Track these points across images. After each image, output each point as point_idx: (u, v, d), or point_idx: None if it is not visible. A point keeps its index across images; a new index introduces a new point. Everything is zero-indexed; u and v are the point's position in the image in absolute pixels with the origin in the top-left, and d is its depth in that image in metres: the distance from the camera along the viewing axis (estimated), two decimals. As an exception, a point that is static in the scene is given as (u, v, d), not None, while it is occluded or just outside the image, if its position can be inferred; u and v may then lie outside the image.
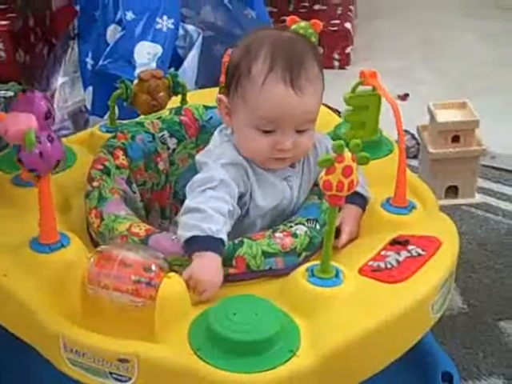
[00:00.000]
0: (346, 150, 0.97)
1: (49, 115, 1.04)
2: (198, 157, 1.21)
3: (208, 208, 1.08)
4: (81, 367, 1.00)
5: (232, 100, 1.17)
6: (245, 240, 1.10)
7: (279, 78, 1.12)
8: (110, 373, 0.99)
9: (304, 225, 1.13)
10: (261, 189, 1.17)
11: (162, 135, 1.34)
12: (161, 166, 1.33)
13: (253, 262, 1.09)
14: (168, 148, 1.34)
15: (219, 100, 1.20)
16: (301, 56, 1.14)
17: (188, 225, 1.07)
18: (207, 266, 1.04)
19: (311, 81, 1.14)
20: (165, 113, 1.37)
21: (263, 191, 1.17)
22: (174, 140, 1.35)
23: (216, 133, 1.23)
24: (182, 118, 1.36)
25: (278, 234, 1.11)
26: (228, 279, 1.07)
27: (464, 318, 1.67)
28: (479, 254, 1.86)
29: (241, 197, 1.15)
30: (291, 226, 1.13)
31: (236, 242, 1.10)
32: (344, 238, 1.15)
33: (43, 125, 1.04)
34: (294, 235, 1.12)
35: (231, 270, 1.08)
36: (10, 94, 2.04)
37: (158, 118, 1.35)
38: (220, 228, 1.07)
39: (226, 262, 1.07)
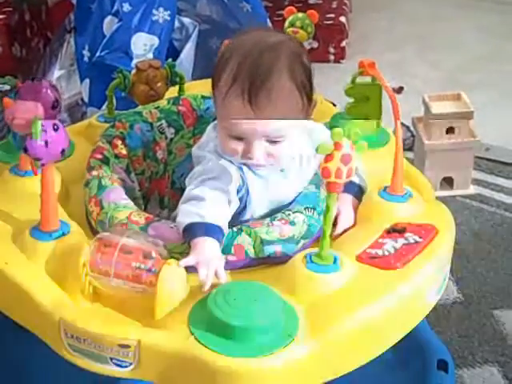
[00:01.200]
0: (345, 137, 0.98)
1: (56, 104, 1.05)
2: (194, 150, 1.22)
3: (208, 196, 1.09)
4: (81, 353, 1.01)
5: (214, 100, 1.19)
6: (243, 228, 1.11)
7: (239, 93, 1.10)
8: (111, 358, 0.99)
9: (302, 213, 1.14)
10: (256, 182, 1.18)
11: (160, 124, 1.34)
12: (159, 154, 1.34)
13: (251, 249, 1.10)
14: (166, 137, 1.35)
15: (213, 95, 1.20)
16: (266, 70, 1.10)
17: (187, 212, 1.08)
18: (209, 249, 1.05)
19: (275, 96, 1.10)
20: (163, 102, 1.37)
21: (259, 184, 1.18)
22: (172, 129, 1.36)
23: (210, 127, 1.24)
24: (180, 107, 1.37)
25: (276, 222, 1.12)
26: (227, 266, 1.08)
27: (459, 307, 1.69)
28: (474, 244, 1.88)
29: (238, 190, 1.16)
30: (289, 214, 1.14)
31: (235, 229, 1.11)
32: (340, 226, 1.16)
33: (50, 114, 1.04)
34: (292, 223, 1.12)
35: (230, 258, 1.09)
36: (7, 87, 2.04)
37: (156, 108, 1.36)
38: (219, 215, 1.08)
39: (225, 250, 1.08)
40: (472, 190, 2.07)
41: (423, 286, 1.07)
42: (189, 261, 1.04)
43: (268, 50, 1.12)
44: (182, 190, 1.24)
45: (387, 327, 1.04)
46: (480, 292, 1.73)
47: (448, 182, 2.06)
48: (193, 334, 0.97)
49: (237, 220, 1.15)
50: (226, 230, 1.09)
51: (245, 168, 1.17)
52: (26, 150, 1.04)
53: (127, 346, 0.98)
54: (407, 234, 1.11)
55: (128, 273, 1.02)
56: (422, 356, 1.35)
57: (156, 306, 1.00)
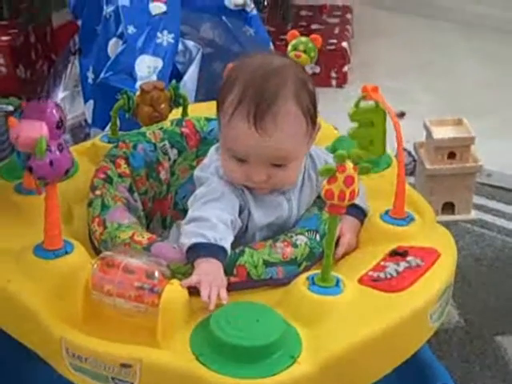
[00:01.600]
0: (348, 160, 0.98)
1: (60, 124, 1.05)
2: (197, 172, 1.22)
3: (211, 217, 1.10)
4: (83, 372, 1.01)
5: (219, 122, 1.20)
6: (246, 249, 1.11)
7: (244, 115, 1.11)
8: (112, 378, 0.99)
9: (304, 235, 1.15)
10: (257, 205, 1.18)
11: (163, 145, 1.35)
12: (162, 175, 1.35)
13: (253, 270, 1.10)
14: (169, 158, 1.36)
15: (218, 117, 1.21)
16: (273, 94, 1.11)
17: (191, 232, 1.09)
18: (212, 269, 1.05)
19: (281, 120, 1.11)
20: (166, 124, 1.38)
21: (260, 207, 1.18)
22: (175, 151, 1.36)
23: (213, 149, 1.25)
24: (183, 129, 1.37)
25: (278, 244, 1.13)
26: (229, 288, 1.07)
27: (461, 332, 1.68)
28: (475, 269, 1.87)
29: (240, 211, 1.17)
30: (291, 237, 1.14)
31: (237, 251, 1.11)
32: (341, 249, 1.16)
33: (54, 134, 1.05)
34: (295, 245, 1.13)
35: (232, 279, 1.09)
36: (10, 108, 2.05)
37: (159, 129, 1.36)
38: (223, 236, 1.08)
39: (228, 271, 1.08)
40: (473, 215, 2.07)
41: (425, 308, 1.07)
42: (191, 281, 1.04)
43: (274, 74, 1.13)
44: (185, 210, 1.24)
45: (389, 350, 1.04)
46: (481, 317, 1.72)
47: (449, 207, 2.06)
48: (195, 353, 0.97)
49: (239, 242, 1.15)
50: (229, 251, 1.09)
51: (246, 190, 1.18)
52: (30, 170, 1.05)
53: (129, 366, 0.98)
54: (409, 258, 1.12)
55: (131, 292, 1.02)
56: (423, 381, 1.35)
57: (158, 326, 1.00)
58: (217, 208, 1.12)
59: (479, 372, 1.58)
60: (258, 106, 1.10)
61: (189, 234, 1.09)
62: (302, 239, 1.14)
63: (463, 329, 1.69)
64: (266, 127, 1.11)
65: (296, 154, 1.15)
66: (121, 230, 1.14)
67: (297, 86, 1.14)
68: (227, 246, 1.08)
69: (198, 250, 1.07)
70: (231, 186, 1.16)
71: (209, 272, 1.04)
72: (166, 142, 1.36)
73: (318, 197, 1.23)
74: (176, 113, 1.44)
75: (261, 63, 1.15)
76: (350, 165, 0.98)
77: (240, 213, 1.16)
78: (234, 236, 1.13)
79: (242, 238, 1.18)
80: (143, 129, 1.38)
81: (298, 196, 1.22)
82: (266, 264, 1.10)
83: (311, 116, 1.16)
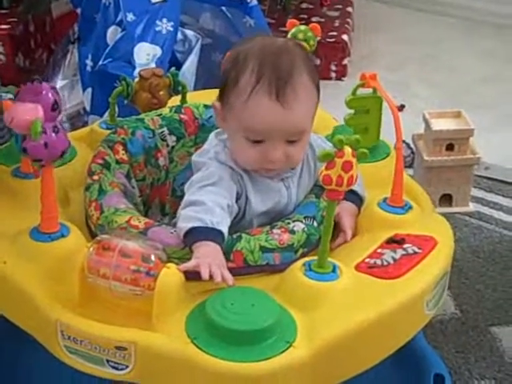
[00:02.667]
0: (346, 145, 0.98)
1: (56, 107, 1.05)
2: (195, 157, 1.22)
3: (208, 201, 1.09)
4: (78, 355, 1.01)
5: (224, 108, 1.18)
6: (243, 235, 1.11)
7: (265, 91, 1.11)
8: (107, 360, 0.99)
9: (302, 222, 1.15)
10: (256, 191, 1.18)
11: (162, 132, 1.35)
12: (161, 161, 1.34)
13: (250, 256, 1.10)
14: (167, 145, 1.36)
15: (214, 107, 1.20)
16: (289, 68, 1.12)
17: (188, 217, 1.08)
18: (210, 251, 1.05)
19: (299, 92, 1.12)
20: (165, 110, 1.38)
21: (258, 193, 1.18)
22: (174, 137, 1.36)
23: (212, 135, 1.25)
24: (182, 116, 1.37)
25: (275, 230, 1.13)
26: None
27: (456, 322, 1.69)
28: (472, 261, 1.88)
29: (237, 197, 1.16)
30: (289, 223, 1.14)
31: (234, 236, 1.11)
32: (349, 233, 1.16)
33: (50, 116, 1.04)
34: (292, 232, 1.13)
35: (229, 264, 1.08)
36: (10, 96, 2.05)
37: (158, 115, 1.36)
38: (220, 220, 1.08)
39: (224, 256, 1.08)
40: (471, 207, 2.07)
41: (421, 295, 1.07)
42: (188, 265, 1.03)
43: (283, 50, 1.15)
44: (183, 197, 1.24)
45: (384, 336, 1.04)
46: (477, 308, 1.73)
47: (447, 199, 2.06)
48: (190, 337, 0.97)
49: (236, 228, 1.15)
50: (226, 235, 1.09)
51: (245, 176, 1.17)
52: (25, 151, 1.05)
53: (124, 349, 0.98)
54: (406, 245, 1.12)
55: (127, 276, 1.02)
56: (418, 370, 1.35)
57: (154, 310, 1.00)
58: (213, 192, 1.11)
59: (474, 362, 1.59)
60: (279, 80, 1.11)
61: (185, 218, 1.09)
62: (299, 226, 1.14)
63: (459, 319, 1.70)
64: (288, 100, 1.11)
65: (308, 128, 1.17)
66: (117, 215, 1.14)
67: (305, 60, 1.16)
68: (224, 229, 1.08)
69: (196, 235, 1.06)
70: (229, 171, 1.16)
71: (207, 255, 1.04)
72: (165, 129, 1.35)
73: (315, 185, 1.23)
74: (175, 100, 1.44)
75: (265, 43, 1.16)
76: (348, 150, 0.98)
77: (237, 199, 1.16)
78: (230, 221, 1.12)
79: (240, 223, 1.18)
80: (142, 115, 1.37)
81: (297, 183, 1.22)
82: (263, 250, 1.10)
83: (318, 90, 1.18)
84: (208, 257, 1.04)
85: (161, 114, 1.37)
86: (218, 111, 1.20)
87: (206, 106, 1.39)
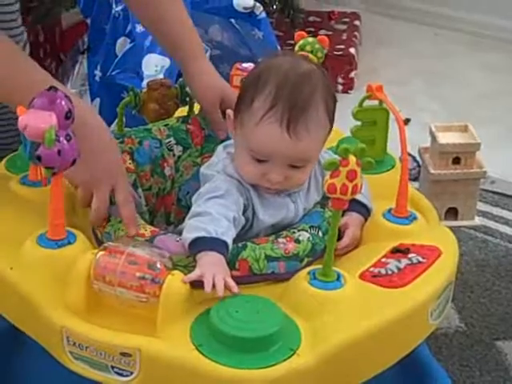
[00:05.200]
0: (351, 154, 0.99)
1: (69, 115, 1.06)
2: (203, 169, 1.23)
3: (214, 212, 1.10)
4: (83, 361, 1.01)
5: (236, 120, 1.19)
6: (248, 244, 1.12)
7: (276, 119, 1.11)
8: (112, 367, 1.00)
9: (307, 231, 1.15)
10: (263, 205, 1.19)
11: (169, 142, 1.36)
12: (167, 171, 1.35)
13: (255, 265, 1.10)
14: (174, 155, 1.36)
15: (228, 115, 1.21)
16: (305, 99, 1.12)
17: (193, 227, 1.09)
18: (214, 261, 1.05)
19: (311, 127, 1.13)
20: (172, 121, 1.39)
21: (266, 207, 1.19)
22: (180, 147, 1.37)
23: (220, 148, 1.25)
24: (189, 126, 1.38)
25: (281, 240, 1.13)
26: None
27: (461, 336, 1.69)
28: (477, 274, 1.88)
29: (244, 210, 1.17)
30: (294, 232, 1.15)
31: (239, 245, 1.11)
32: (345, 240, 1.17)
33: (63, 124, 1.05)
34: (297, 241, 1.13)
35: (234, 273, 1.09)
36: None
37: (165, 125, 1.37)
38: (225, 231, 1.08)
39: (230, 265, 1.09)
40: (477, 221, 2.06)
41: (425, 305, 1.08)
42: (192, 276, 1.03)
43: (306, 79, 1.14)
44: (188, 207, 1.24)
45: (387, 345, 1.05)
46: (482, 322, 1.73)
47: (453, 212, 2.06)
48: (194, 344, 0.97)
49: (243, 239, 1.15)
50: (231, 246, 1.09)
51: (252, 190, 1.18)
52: (39, 159, 1.05)
53: (129, 355, 0.99)
54: (411, 255, 1.12)
55: (132, 283, 1.02)
56: (422, 381, 1.34)
57: (159, 317, 1.01)
58: (220, 204, 1.12)
59: (479, 377, 1.59)
60: (292, 112, 1.11)
61: (191, 228, 1.09)
62: (304, 235, 1.14)
63: (464, 333, 1.70)
64: (298, 132, 1.11)
65: (315, 156, 1.18)
66: (124, 223, 1.15)
67: (325, 92, 1.15)
68: (229, 240, 1.08)
69: (200, 244, 1.07)
70: (236, 184, 1.17)
71: (211, 264, 1.05)
72: (172, 139, 1.36)
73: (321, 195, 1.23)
74: (182, 111, 1.45)
75: (291, 67, 1.15)
76: (353, 159, 0.98)
77: (244, 211, 1.17)
78: (237, 233, 1.13)
79: (247, 235, 1.18)
80: (149, 125, 1.38)
81: (305, 199, 1.22)
82: (268, 259, 1.11)
83: (332, 121, 1.18)
84: (212, 267, 1.04)
85: (168, 124, 1.38)
86: (230, 120, 1.21)
87: None
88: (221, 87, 1.39)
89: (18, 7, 1.49)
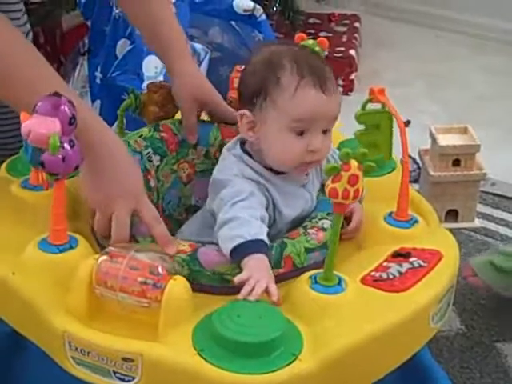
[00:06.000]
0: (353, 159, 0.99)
1: (73, 121, 1.06)
2: (216, 175, 1.21)
3: (242, 215, 1.11)
4: (85, 366, 1.01)
5: (259, 112, 1.19)
6: (285, 240, 1.13)
7: (310, 84, 1.17)
8: (114, 372, 1.00)
9: (327, 219, 1.18)
10: (284, 200, 1.20)
11: (148, 153, 1.33)
12: (152, 183, 1.33)
13: (298, 259, 1.12)
14: (153, 165, 1.34)
15: (241, 115, 1.21)
16: (320, 65, 1.21)
17: (228, 236, 1.10)
18: (259, 265, 1.06)
19: (333, 84, 1.21)
20: (144, 130, 1.36)
21: (286, 201, 1.20)
22: (158, 157, 1.34)
23: (225, 151, 1.25)
24: (162, 134, 1.35)
25: (310, 231, 1.16)
26: (278, 279, 1.09)
27: (462, 338, 1.69)
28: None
29: (266, 207, 1.18)
30: (317, 222, 1.18)
31: (277, 243, 1.13)
32: (354, 224, 1.21)
33: (67, 130, 1.05)
34: (323, 229, 1.16)
35: (280, 271, 1.11)
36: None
37: (139, 137, 1.34)
38: (258, 230, 1.10)
39: (276, 264, 1.10)
40: (477, 223, 2.07)
41: (427, 309, 1.08)
42: (242, 276, 1.05)
43: (307, 51, 1.25)
44: (171, 216, 1.24)
45: (389, 350, 1.05)
46: (483, 324, 1.73)
47: (453, 214, 2.06)
48: (196, 349, 0.97)
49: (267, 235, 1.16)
50: (268, 242, 1.10)
51: (271, 188, 1.19)
52: (42, 165, 1.05)
53: (131, 360, 0.99)
54: (412, 259, 1.12)
55: (134, 288, 1.02)
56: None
57: (161, 322, 1.01)
58: (246, 207, 1.13)
59: (480, 378, 1.59)
60: (318, 75, 1.18)
61: (226, 238, 1.10)
62: (327, 222, 1.17)
63: (464, 335, 1.70)
64: (329, 89, 1.18)
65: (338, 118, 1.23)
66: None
67: (325, 62, 1.25)
68: (264, 237, 1.10)
69: (240, 251, 1.08)
70: (256, 185, 1.18)
71: (257, 269, 1.06)
72: (150, 149, 1.33)
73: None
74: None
75: (289, 47, 1.24)
76: (354, 163, 0.98)
77: (266, 208, 1.18)
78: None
79: (271, 232, 1.18)
80: (125, 137, 1.34)
81: (313, 187, 1.25)
82: (307, 251, 1.13)
83: None
84: (258, 272, 1.05)
85: (142, 135, 1.34)
86: (247, 119, 1.20)
87: (180, 122, 1.37)
88: (201, 89, 1.38)
89: (21, 7, 1.47)
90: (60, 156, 1.04)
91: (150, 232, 1.14)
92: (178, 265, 1.06)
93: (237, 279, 1.05)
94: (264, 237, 1.10)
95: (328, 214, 1.18)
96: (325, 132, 1.20)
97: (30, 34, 1.52)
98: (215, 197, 1.18)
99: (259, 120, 1.20)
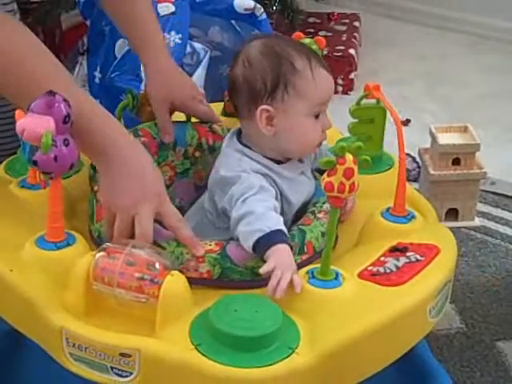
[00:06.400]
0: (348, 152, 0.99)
1: (67, 119, 1.06)
2: (223, 172, 1.20)
3: (256, 209, 1.12)
4: (82, 362, 1.02)
5: (280, 103, 1.19)
6: (302, 227, 1.15)
7: (319, 65, 1.22)
8: (112, 367, 1.00)
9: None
10: (289, 187, 1.21)
11: None
12: None
13: (317, 244, 1.14)
14: None
15: (262, 111, 1.19)
16: (309, 49, 1.26)
17: (247, 232, 1.10)
18: (281, 256, 1.07)
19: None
20: None
21: (292, 189, 1.22)
22: None
23: (227, 149, 1.24)
24: (143, 139, 1.33)
25: (319, 215, 1.18)
26: (302, 264, 1.11)
27: (462, 337, 1.69)
28: (477, 275, 1.88)
29: (276, 198, 1.19)
30: (321, 206, 1.19)
31: (295, 231, 1.14)
32: (350, 204, 1.25)
33: (61, 128, 1.05)
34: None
35: (303, 257, 1.12)
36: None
37: None
38: (275, 221, 1.11)
39: (300, 251, 1.12)
40: (477, 222, 2.06)
41: (424, 302, 1.08)
42: (268, 267, 1.06)
43: (293, 39, 1.30)
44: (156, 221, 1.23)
45: (387, 343, 1.05)
46: (483, 323, 1.73)
47: (453, 213, 2.05)
48: (194, 343, 0.98)
49: None
50: (286, 231, 1.11)
51: (278, 179, 1.20)
52: (35, 164, 1.05)
53: (128, 355, 0.99)
54: (409, 253, 1.12)
55: (131, 283, 1.02)
56: (423, 380, 1.34)
57: (158, 317, 1.01)
58: (257, 200, 1.14)
59: (480, 377, 1.59)
60: (316, 55, 1.24)
61: (244, 235, 1.10)
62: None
63: (464, 334, 1.70)
64: (328, 69, 1.24)
65: None
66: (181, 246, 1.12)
67: None
68: (282, 227, 1.11)
69: (261, 246, 1.08)
70: (264, 178, 1.18)
71: (281, 260, 1.07)
72: None
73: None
74: (181, 115, 1.43)
75: (275, 37, 1.30)
76: (349, 157, 0.99)
77: (276, 199, 1.19)
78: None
79: None
80: None
81: (310, 174, 1.27)
82: (323, 235, 1.14)
83: None
84: (282, 263, 1.06)
85: None
86: (266, 114, 1.19)
87: (156, 125, 1.35)
88: (170, 87, 1.36)
89: (13, 7, 1.47)
90: (53, 155, 1.04)
91: (175, 234, 1.12)
92: (168, 259, 1.06)
93: (262, 270, 1.06)
94: (282, 226, 1.11)
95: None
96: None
97: None
98: (223, 194, 1.18)
99: (280, 112, 1.20)
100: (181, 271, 1.07)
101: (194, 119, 1.40)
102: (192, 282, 1.06)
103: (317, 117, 1.21)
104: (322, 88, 1.21)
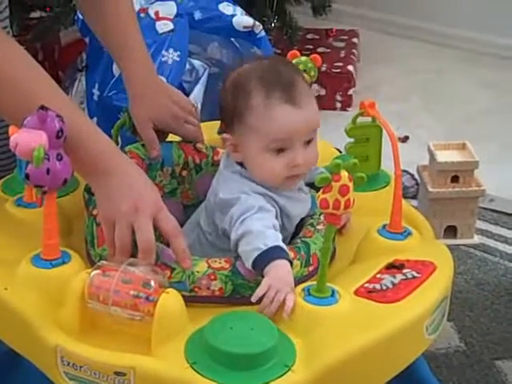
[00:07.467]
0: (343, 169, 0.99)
1: (60, 134, 1.06)
2: (223, 195, 1.20)
3: (254, 228, 1.11)
4: (77, 381, 1.01)
5: (238, 135, 1.20)
6: (305, 240, 1.16)
7: (281, 101, 1.16)
8: (106, 386, 0.99)
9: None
10: (292, 208, 1.21)
11: None
12: None
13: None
14: None
15: (224, 139, 1.22)
16: (288, 76, 1.19)
17: (246, 251, 1.10)
18: (278, 273, 1.07)
19: (307, 94, 1.19)
20: None
21: (294, 209, 1.22)
22: None
23: (224, 171, 1.24)
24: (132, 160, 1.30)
25: (319, 227, 1.18)
26: (308, 277, 1.12)
27: (461, 356, 1.68)
28: (477, 293, 1.87)
29: (275, 216, 1.19)
30: (319, 218, 1.20)
31: (300, 244, 1.14)
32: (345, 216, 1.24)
33: (54, 143, 1.05)
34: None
35: (310, 268, 1.13)
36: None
37: None
38: (273, 238, 1.10)
39: (307, 263, 1.13)
40: (476, 239, 2.07)
41: (421, 319, 1.07)
42: (258, 292, 1.05)
43: (277, 62, 1.24)
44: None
45: (383, 361, 1.04)
46: (482, 342, 1.72)
47: (452, 230, 2.06)
48: (189, 361, 0.97)
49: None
50: (285, 247, 1.11)
51: (277, 198, 1.20)
52: (27, 177, 1.06)
53: (123, 374, 0.98)
54: (405, 270, 1.12)
55: (126, 301, 1.02)
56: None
57: (153, 335, 1.00)
58: (256, 219, 1.13)
59: (479, 396, 1.58)
60: (289, 88, 1.17)
61: (245, 255, 1.10)
62: None
63: (464, 353, 1.69)
64: (302, 101, 1.17)
65: (319, 125, 1.21)
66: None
67: (295, 68, 1.25)
68: (280, 243, 1.10)
69: (260, 263, 1.08)
70: (263, 198, 1.18)
71: (277, 277, 1.06)
72: None
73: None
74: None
75: (257, 63, 1.23)
76: (345, 174, 0.99)
77: (276, 217, 1.18)
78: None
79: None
80: None
81: (307, 189, 1.26)
82: None
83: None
84: (277, 281, 1.06)
85: None
86: (229, 142, 1.21)
87: (143, 145, 1.34)
88: (152, 108, 1.34)
89: (6, 24, 1.47)
90: (44, 168, 1.04)
91: (170, 241, 1.11)
92: (163, 277, 1.06)
93: (253, 298, 1.05)
94: (280, 243, 1.10)
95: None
96: (308, 142, 1.19)
97: None
98: (223, 216, 1.18)
99: (239, 143, 1.20)
100: (192, 290, 1.07)
101: (178, 138, 1.39)
102: (204, 300, 1.08)
103: (280, 151, 1.17)
104: (278, 124, 1.16)
